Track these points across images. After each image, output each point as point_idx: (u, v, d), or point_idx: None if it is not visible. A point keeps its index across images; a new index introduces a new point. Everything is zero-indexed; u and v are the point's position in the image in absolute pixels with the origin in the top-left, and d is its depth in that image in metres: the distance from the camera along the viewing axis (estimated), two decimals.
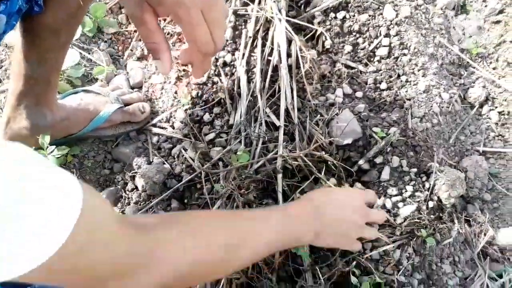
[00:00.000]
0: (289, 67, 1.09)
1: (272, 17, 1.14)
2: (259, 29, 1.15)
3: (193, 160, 1.04)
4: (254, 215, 0.71)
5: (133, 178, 1.09)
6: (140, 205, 1.04)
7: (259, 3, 1.19)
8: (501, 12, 1.24)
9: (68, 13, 0.82)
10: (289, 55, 1.11)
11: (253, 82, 1.09)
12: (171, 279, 0.54)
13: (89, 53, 1.28)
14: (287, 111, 1.04)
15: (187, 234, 0.57)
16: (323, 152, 0.97)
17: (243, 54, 1.13)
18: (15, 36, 0.88)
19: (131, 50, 1.31)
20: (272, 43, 1.13)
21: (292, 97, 1.06)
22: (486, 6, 1.26)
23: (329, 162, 0.97)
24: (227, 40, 1.17)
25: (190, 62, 0.68)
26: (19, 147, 0.38)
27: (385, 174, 0.98)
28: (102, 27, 1.32)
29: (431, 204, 0.97)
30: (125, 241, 0.48)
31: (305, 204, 0.76)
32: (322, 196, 0.79)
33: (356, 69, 1.14)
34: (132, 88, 1.24)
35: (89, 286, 0.47)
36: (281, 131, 1.01)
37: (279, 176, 0.95)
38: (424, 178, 1.00)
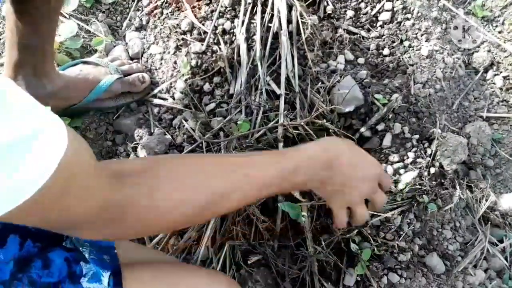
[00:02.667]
0: (290, 34, 1.07)
1: None
2: None
3: (194, 130, 1.03)
4: (250, 162, 0.63)
5: (135, 149, 1.09)
6: None
7: None
8: None
9: None
10: (289, 21, 1.08)
11: (253, 50, 1.07)
12: (156, 226, 0.54)
13: (87, 24, 1.26)
14: (287, 79, 1.03)
15: (170, 182, 0.53)
16: (324, 120, 0.96)
17: (243, 21, 1.11)
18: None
19: (130, 21, 1.29)
20: (272, 9, 1.10)
21: (293, 65, 1.04)
22: None
23: (330, 130, 0.96)
24: (226, 7, 1.14)
25: None
26: (7, 83, 0.36)
27: (387, 141, 0.98)
28: None
29: (432, 170, 0.97)
30: (102, 193, 0.46)
31: (320, 151, 0.66)
32: (342, 149, 0.68)
33: (358, 35, 1.11)
34: (131, 59, 1.23)
35: (63, 228, 0.47)
36: (282, 99, 1.00)
37: (280, 145, 0.95)
38: (426, 145, 1.00)
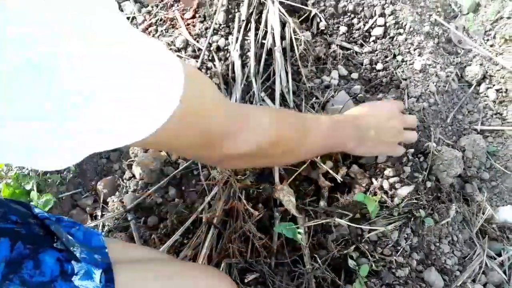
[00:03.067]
0: (283, 50, 1.08)
1: (265, 0, 1.12)
2: (252, 12, 1.13)
3: None
4: (309, 117, 0.82)
5: (130, 166, 1.08)
6: (138, 193, 1.04)
7: None
8: None
9: None
10: (283, 38, 1.09)
11: (247, 66, 1.08)
12: (264, 140, 0.63)
13: None
14: (282, 94, 1.03)
15: (268, 116, 0.66)
16: None
17: (237, 38, 1.12)
18: None
19: None
20: (265, 26, 1.11)
21: (287, 80, 1.05)
22: None
23: None
24: (220, 25, 1.15)
25: None
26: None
27: (382, 156, 0.97)
28: None
29: (429, 184, 0.97)
30: (229, 106, 0.60)
31: (346, 117, 0.84)
32: (359, 108, 0.87)
33: (351, 50, 1.12)
34: None
35: (205, 146, 0.56)
36: None
37: None
38: (421, 159, 1.00)
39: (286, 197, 0.91)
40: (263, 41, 1.10)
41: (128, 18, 1.31)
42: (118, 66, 0.38)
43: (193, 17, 1.20)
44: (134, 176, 1.07)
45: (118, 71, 0.38)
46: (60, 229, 0.59)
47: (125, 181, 1.07)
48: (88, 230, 0.63)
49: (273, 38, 1.08)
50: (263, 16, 1.12)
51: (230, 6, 1.17)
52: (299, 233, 0.89)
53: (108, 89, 0.37)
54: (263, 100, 1.04)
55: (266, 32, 1.10)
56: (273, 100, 1.03)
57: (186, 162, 1.02)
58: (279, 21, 1.09)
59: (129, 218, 1.00)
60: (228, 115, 0.57)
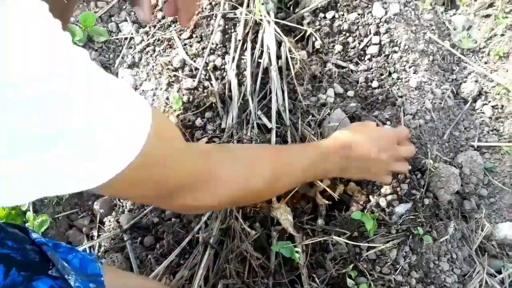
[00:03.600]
0: (279, 69, 1.09)
1: (261, 20, 1.14)
2: (248, 32, 1.15)
3: None
4: (293, 149, 0.81)
5: None
6: (134, 213, 1.04)
7: (248, 5, 1.18)
8: (490, 5, 1.23)
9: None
10: (279, 57, 1.10)
11: (244, 85, 1.09)
12: (224, 199, 0.61)
13: None
14: (278, 113, 1.04)
15: (239, 163, 0.64)
16: None
17: (233, 58, 1.13)
18: None
19: (122, 58, 1.31)
20: (262, 45, 1.13)
21: (283, 99, 1.05)
22: (475, 0, 1.26)
23: None
24: (216, 44, 1.16)
25: (175, 12, 0.73)
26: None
27: None
28: (92, 36, 1.32)
29: (426, 201, 0.96)
30: (192, 158, 0.55)
31: (334, 142, 0.82)
32: (351, 134, 0.84)
33: (347, 68, 1.13)
34: None
35: (160, 197, 0.54)
36: (273, 133, 1.00)
37: None
38: (419, 176, 1.00)
39: (283, 215, 0.91)
40: (259, 60, 1.11)
41: (126, 38, 1.33)
42: (79, 108, 0.37)
43: (190, 37, 1.22)
44: None
45: (78, 113, 0.36)
46: (57, 256, 0.58)
47: (121, 200, 1.07)
48: (85, 257, 0.62)
49: (269, 57, 1.09)
50: (259, 36, 1.14)
51: (226, 26, 1.18)
52: (296, 252, 0.89)
53: (67, 133, 0.36)
54: (259, 118, 1.04)
55: (262, 52, 1.11)
56: (269, 118, 1.03)
57: None
58: (275, 40, 1.10)
59: (125, 239, 0.99)
60: (191, 169, 0.54)
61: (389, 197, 0.96)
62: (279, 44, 1.11)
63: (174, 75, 1.17)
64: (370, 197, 0.97)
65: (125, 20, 1.36)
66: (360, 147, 0.82)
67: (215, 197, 0.59)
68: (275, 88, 1.05)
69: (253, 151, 0.72)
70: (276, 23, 1.14)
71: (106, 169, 0.40)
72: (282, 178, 0.71)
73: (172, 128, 0.54)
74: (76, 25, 1.29)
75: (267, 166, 0.68)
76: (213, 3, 1.23)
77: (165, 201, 0.56)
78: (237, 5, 1.20)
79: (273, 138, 0.99)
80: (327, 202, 0.96)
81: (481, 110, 1.16)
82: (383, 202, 0.95)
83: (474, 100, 1.17)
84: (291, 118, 1.03)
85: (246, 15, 1.17)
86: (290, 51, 1.09)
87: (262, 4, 1.15)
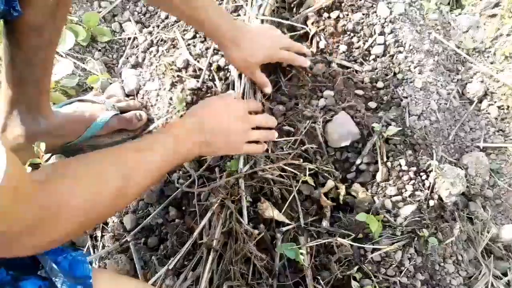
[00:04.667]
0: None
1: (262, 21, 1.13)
2: None
3: (189, 167, 1.03)
4: (139, 146, 0.75)
5: None
6: (138, 213, 1.03)
7: (252, 5, 1.18)
8: (496, 5, 1.22)
9: (47, 9, 0.81)
10: None
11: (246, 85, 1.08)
12: (74, 227, 0.58)
13: (83, 63, 1.28)
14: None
15: (79, 183, 0.60)
16: (301, 160, 0.95)
17: None
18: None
19: (126, 58, 1.30)
20: None
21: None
22: (481, 0, 1.25)
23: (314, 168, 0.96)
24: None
25: None
26: None
27: (382, 174, 0.97)
28: (95, 36, 1.32)
29: (432, 203, 0.96)
30: (35, 199, 0.52)
31: (187, 121, 0.82)
32: (202, 109, 0.85)
33: (351, 69, 1.12)
34: (127, 96, 1.23)
35: (4, 243, 0.51)
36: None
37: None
38: (424, 177, 0.99)
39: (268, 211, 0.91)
40: None
41: (129, 38, 1.32)
42: None
43: (194, 37, 1.21)
44: None
45: None
46: (46, 257, 0.58)
47: None
48: (75, 258, 0.61)
49: None
50: None
51: None
52: (301, 253, 0.88)
53: None
54: None
55: None
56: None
57: (186, 181, 1.01)
58: None
59: (128, 240, 0.99)
60: (29, 212, 0.51)
61: (394, 199, 0.95)
62: None
63: (178, 75, 1.17)
64: (375, 198, 0.96)
65: (129, 20, 1.35)
66: (212, 118, 0.84)
67: (63, 229, 0.56)
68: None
69: (95, 164, 0.66)
70: (280, 23, 1.13)
71: None
72: (136, 178, 0.68)
73: (20, 177, 0.49)
74: (80, 25, 1.28)
75: (114, 174, 0.65)
76: (217, 2, 1.23)
77: (9, 247, 0.52)
78: (240, 5, 1.19)
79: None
80: (331, 203, 0.96)
81: (486, 111, 1.15)
82: (388, 204, 0.94)
83: (480, 101, 1.16)
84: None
85: (250, 13, 1.16)
86: None
87: (259, 6, 1.14)
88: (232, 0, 1.20)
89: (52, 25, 0.85)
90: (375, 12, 1.15)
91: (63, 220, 0.56)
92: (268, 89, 1.00)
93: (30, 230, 0.52)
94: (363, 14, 1.15)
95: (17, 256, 0.55)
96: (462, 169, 1.01)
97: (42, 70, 0.94)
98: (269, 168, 0.92)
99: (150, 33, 1.30)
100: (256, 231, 0.87)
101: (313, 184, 0.95)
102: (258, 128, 0.93)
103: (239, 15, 1.19)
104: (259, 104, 0.99)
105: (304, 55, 1.06)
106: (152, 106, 1.19)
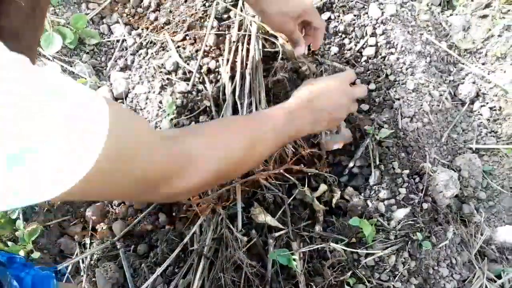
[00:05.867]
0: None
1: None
2: (244, 34, 1.12)
3: None
4: (259, 116, 0.80)
5: None
6: (127, 220, 1.01)
7: (242, 7, 1.16)
8: (487, 6, 1.22)
9: (22, 16, 0.79)
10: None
11: (236, 88, 1.06)
12: (208, 176, 0.61)
13: (71, 66, 1.25)
14: None
15: (211, 139, 0.64)
16: (302, 165, 0.94)
17: (228, 60, 1.11)
18: None
19: (114, 61, 1.28)
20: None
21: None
22: (472, 0, 1.24)
23: (309, 173, 0.95)
24: (210, 47, 1.14)
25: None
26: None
27: (374, 177, 0.96)
28: (83, 38, 1.29)
29: (425, 205, 0.95)
30: (166, 146, 0.55)
31: (299, 101, 0.82)
32: (311, 89, 0.85)
33: (343, 71, 1.11)
34: (116, 99, 1.21)
35: (142, 191, 0.54)
36: None
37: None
38: (417, 180, 0.98)
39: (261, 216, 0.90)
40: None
41: (118, 40, 1.30)
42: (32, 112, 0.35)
43: (184, 39, 1.19)
44: (123, 202, 1.04)
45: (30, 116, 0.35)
46: (7, 274, 0.56)
47: (114, 207, 1.05)
48: (38, 273, 0.60)
49: (255, 63, 1.07)
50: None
51: (220, 28, 1.16)
52: (294, 259, 0.87)
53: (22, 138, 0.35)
54: None
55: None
56: None
57: None
58: (259, 49, 1.08)
59: (118, 246, 0.97)
60: (164, 159, 0.54)
61: (387, 202, 0.94)
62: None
63: (167, 78, 1.15)
64: (368, 201, 0.95)
65: (117, 22, 1.33)
66: (322, 96, 0.84)
67: (199, 177, 0.59)
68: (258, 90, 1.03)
69: (222, 126, 0.72)
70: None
71: (72, 170, 0.39)
72: (257, 146, 0.71)
73: (137, 121, 0.54)
74: (67, 27, 1.26)
75: (240, 137, 0.69)
76: (207, 4, 1.21)
77: (150, 193, 0.56)
78: (230, 8, 1.18)
79: None
80: (324, 207, 0.94)
81: (479, 112, 1.14)
82: (381, 207, 0.93)
83: (472, 102, 1.15)
84: None
85: (240, 15, 1.14)
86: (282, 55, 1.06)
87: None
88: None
89: (29, 32, 0.83)
90: (367, 13, 1.14)
91: (199, 168, 0.58)
92: (301, 49, 0.97)
93: (166, 179, 0.54)
94: (355, 15, 1.14)
95: (165, 201, 0.65)
96: (455, 171, 1.00)
97: None
98: (267, 173, 0.91)
99: (139, 35, 1.28)
100: (246, 238, 0.85)
101: (306, 188, 0.93)
102: None
103: (229, 17, 1.17)
104: (354, 75, 0.97)
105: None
106: (141, 109, 1.17)
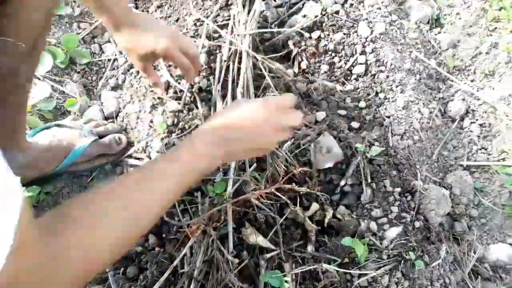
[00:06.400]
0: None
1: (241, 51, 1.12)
2: (232, 54, 1.13)
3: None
4: (150, 176, 0.64)
5: None
6: None
7: (233, 27, 1.17)
8: (475, 24, 1.24)
9: (22, 55, 0.79)
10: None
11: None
12: (81, 272, 0.54)
13: (61, 85, 1.25)
14: None
15: (85, 233, 0.55)
16: (294, 184, 0.93)
17: (219, 79, 1.11)
18: None
19: (105, 80, 1.28)
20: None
21: None
22: (460, 18, 1.26)
23: (300, 192, 0.94)
24: (201, 66, 1.14)
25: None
26: None
27: (366, 195, 0.95)
28: (74, 58, 1.29)
29: (417, 224, 0.94)
30: (41, 251, 0.48)
31: (208, 135, 0.71)
32: (223, 119, 0.74)
33: (333, 89, 1.12)
34: (107, 118, 1.20)
35: None
36: None
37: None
38: (409, 198, 0.98)
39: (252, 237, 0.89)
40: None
41: (109, 60, 1.30)
42: None
43: None
44: None
45: None
46: None
47: None
48: None
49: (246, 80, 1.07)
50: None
51: (211, 48, 1.16)
52: (286, 281, 0.85)
53: None
54: None
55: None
56: None
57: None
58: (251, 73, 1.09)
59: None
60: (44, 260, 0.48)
61: (379, 221, 0.94)
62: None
63: (159, 98, 1.14)
64: (360, 220, 0.94)
65: (109, 41, 1.33)
66: (239, 126, 0.73)
67: (69, 277, 0.53)
68: None
69: (98, 209, 0.60)
70: (259, 48, 1.12)
71: None
72: (144, 220, 0.61)
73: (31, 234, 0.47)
74: (58, 47, 1.26)
75: (117, 221, 0.59)
76: (198, 24, 1.22)
77: None
78: (221, 27, 1.18)
79: (248, 172, 0.96)
80: (316, 227, 0.94)
81: (469, 129, 1.15)
82: (373, 226, 0.92)
83: (462, 119, 1.16)
84: None
85: (231, 34, 1.15)
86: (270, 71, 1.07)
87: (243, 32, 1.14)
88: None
89: (27, 68, 0.83)
90: (356, 32, 1.15)
91: (62, 276, 0.52)
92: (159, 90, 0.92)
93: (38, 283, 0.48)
94: (344, 34, 1.15)
95: None
96: (446, 189, 1.00)
97: (18, 110, 0.91)
98: (259, 192, 0.90)
99: None
100: (237, 260, 0.84)
101: (298, 207, 0.93)
102: None
103: (220, 36, 1.17)
104: (292, 99, 0.81)
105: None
106: (132, 129, 1.16)
